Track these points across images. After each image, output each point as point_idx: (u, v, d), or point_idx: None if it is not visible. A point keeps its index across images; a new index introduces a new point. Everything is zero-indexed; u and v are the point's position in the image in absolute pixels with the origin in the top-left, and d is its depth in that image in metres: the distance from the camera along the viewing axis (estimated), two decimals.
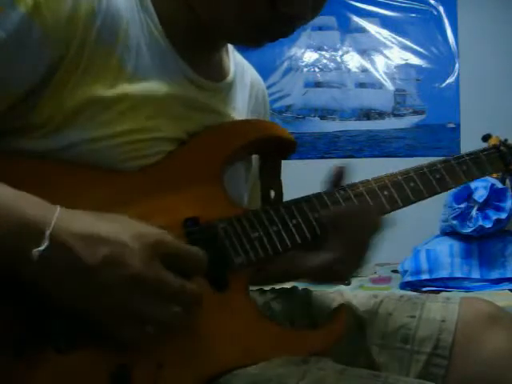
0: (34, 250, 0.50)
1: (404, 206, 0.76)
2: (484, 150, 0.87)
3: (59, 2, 0.57)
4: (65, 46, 0.58)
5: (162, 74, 0.66)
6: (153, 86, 0.65)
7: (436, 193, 0.79)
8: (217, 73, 0.76)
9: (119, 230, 0.54)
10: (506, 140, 0.91)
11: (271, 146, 0.76)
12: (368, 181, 0.76)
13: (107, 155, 0.61)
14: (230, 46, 0.82)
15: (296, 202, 0.71)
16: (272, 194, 0.77)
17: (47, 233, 0.50)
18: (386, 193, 0.75)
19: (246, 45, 0.71)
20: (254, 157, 0.81)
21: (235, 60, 0.82)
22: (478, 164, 0.83)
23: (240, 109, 0.80)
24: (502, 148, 0.88)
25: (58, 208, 0.53)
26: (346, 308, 0.72)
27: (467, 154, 0.83)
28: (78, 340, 0.56)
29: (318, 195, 0.72)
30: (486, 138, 0.92)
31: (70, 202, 0.54)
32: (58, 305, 0.54)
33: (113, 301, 0.54)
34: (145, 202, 0.63)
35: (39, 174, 0.60)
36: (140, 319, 0.55)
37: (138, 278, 0.53)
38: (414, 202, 0.77)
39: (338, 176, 0.74)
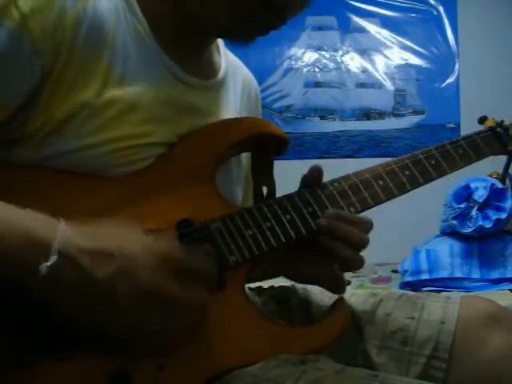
0: (42, 265, 0.49)
1: (400, 194, 0.76)
2: (480, 132, 0.86)
3: (45, 12, 0.57)
4: (54, 54, 0.58)
5: (150, 76, 0.66)
6: (141, 90, 0.65)
7: (432, 179, 0.78)
8: (207, 70, 0.76)
9: (127, 242, 0.54)
10: (502, 121, 0.89)
11: (263, 143, 0.75)
12: (362, 171, 0.75)
13: (98, 162, 0.61)
14: (222, 44, 0.82)
15: (289, 197, 0.71)
16: (265, 191, 0.77)
17: (54, 248, 0.50)
18: (380, 182, 0.75)
19: (238, 40, 0.71)
20: (246, 155, 0.81)
21: (227, 58, 0.81)
22: (474, 147, 0.82)
23: (232, 107, 0.79)
24: (498, 129, 0.87)
25: (62, 221, 0.52)
26: (345, 302, 0.72)
27: (463, 138, 0.83)
28: (78, 347, 0.55)
29: (311, 189, 0.72)
30: (481, 120, 0.91)
31: (62, 210, 0.54)
32: (66, 319, 0.53)
33: (123, 316, 0.53)
34: (137, 205, 0.63)
35: (31, 184, 0.60)
36: (152, 331, 0.55)
37: (150, 291, 0.53)
38: (410, 190, 0.76)
39: (315, 176, 0.73)
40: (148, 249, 0.54)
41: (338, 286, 0.74)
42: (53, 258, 0.50)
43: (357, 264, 0.69)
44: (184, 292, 0.55)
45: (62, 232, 0.51)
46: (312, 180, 0.73)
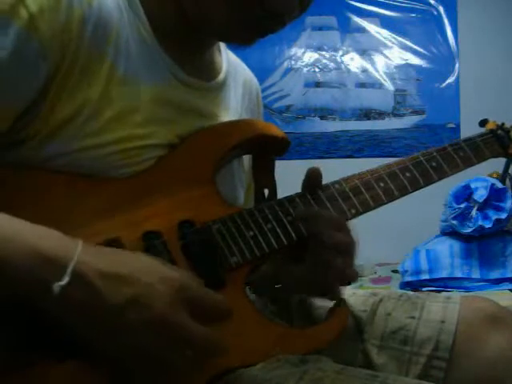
0: (55, 284, 0.49)
1: (401, 196, 0.76)
2: (481, 134, 0.86)
3: (53, 13, 0.56)
4: (61, 55, 0.58)
5: (151, 76, 0.66)
6: (142, 91, 0.64)
7: (433, 181, 0.78)
8: (208, 72, 0.76)
9: (145, 270, 0.53)
10: (503, 124, 0.90)
11: (263, 144, 0.75)
12: (363, 173, 0.75)
13: (98, 164, 0.61)
14: (223, 45, 0.82)
15: (290, 198, 0.71)
16: (266, 192, 0.77)
17: (70, 268, 0.49)
18: (381, 184, 0.75)
19: (237, 43, 0.71)
20: (248, 156, 0.81)
21: (228, 59, 0.81)
22: (475, 149, 0.82)
23: (233, 108, 0.79)
24: (499, 132, 0.87)
25: (80, 242, 0.52)
26: (346, 303, 0.72)
27: (463, 140, 0.83)
28: (79, 347, 0.55)
29: (312, 191, 0.72)
30: (483, 122, 0.92)
31: (61, 212, 0.53)
32: (75, 335, 0.53)
33: (133, 342, 0.52)
34: (138, 206, 0.63)
35: (31, 186, 0.60)
36: (158, 361, 0.54)
37: (163, 322, 0.52)
38: (411, 192, 0.76)
39: (313, 178, 0.72)
40: (164, 279, 0.53)
41: (333, 296, 0.73)
42: (66, 278, 0.49)
43: (349, 273, 0.68)
44: (195, 327, 0.54)
45: (79, 253, 0.51)
46: (312, 182, 0.72)
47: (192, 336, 0.53)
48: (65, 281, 0.49)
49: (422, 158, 0.78)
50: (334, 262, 0.67)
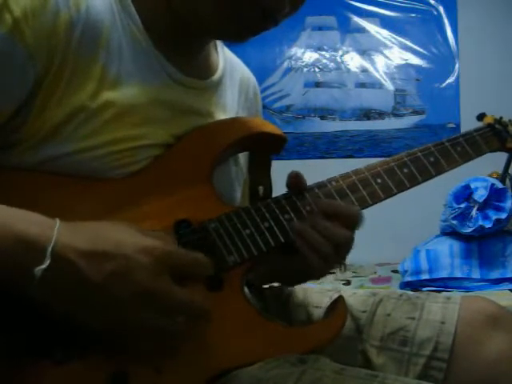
0: (37, 268, 0.49)
1: (399, 192, 0.75)
2: (478, 129, 0.85)
3: (39, 17, 0.56)
4: (48, 58, 0.58)
5: (145, 77, 0.66)
6: (137, 92, 0.64)
7: (431, 177, 0.77)
8: (204, 70, 0.76)
9: (124, 243, 0.54)
10: (501, 118, 0.89)
11: (259, 142, 0.75)
12: (360, 169, 0.75)
13: (94, 165, 0.61)
14: (220, 43, 0.81)
15: (287, 196, 0.71)
16: (261, 190, 0.76)
17: (49, 250, 0.49)
18: (379, 181, 0.74)
19: (230, 40, 0.71)
20: (244, 153, 0.81)
21: (225, 57, 0.81)
22: (473, 144, 0.82)
23: (229, 106, 0.79)
24: (496, 126, 0.86)
25: (58, 222, 0.52)
26: (344, 301, 0.71)
27: (461, 135, 0.82)
28: (76, 350, 0.55)
29: (309, 188, 0.72)
30: (480, 116, 0.91)
31: (58, 214, 0.53)
32: (62, 319, 0.53)
33: (122, 316, 0.53)
34: (134, 207, 0.63)
35: (27, 188, 0.60)
36: (150, 331, 0.55)
37: (148, 293, 0.53)
38: (409, 188, 0.76)
39: (296, 183, 0.72)
40: (144, 249, 0.54)
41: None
42: (47, 261, 0.49)
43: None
44: (180, 292, 0.55)
45: (57, 234, 0.51)
46: (296, 186, 0.72)
47: (177, 300, 0.54)
48: (46, 264, 0.49)
49: (419, 154, 0.77)
50: (312, 263, 0.67)
